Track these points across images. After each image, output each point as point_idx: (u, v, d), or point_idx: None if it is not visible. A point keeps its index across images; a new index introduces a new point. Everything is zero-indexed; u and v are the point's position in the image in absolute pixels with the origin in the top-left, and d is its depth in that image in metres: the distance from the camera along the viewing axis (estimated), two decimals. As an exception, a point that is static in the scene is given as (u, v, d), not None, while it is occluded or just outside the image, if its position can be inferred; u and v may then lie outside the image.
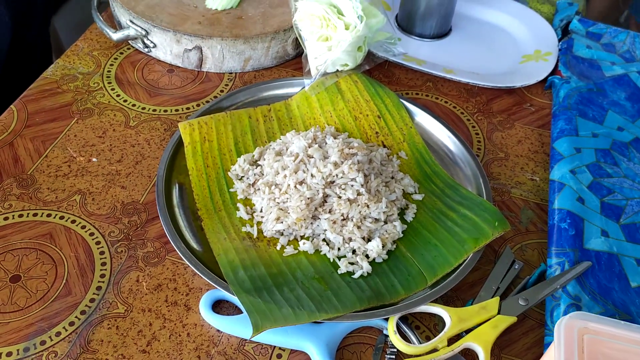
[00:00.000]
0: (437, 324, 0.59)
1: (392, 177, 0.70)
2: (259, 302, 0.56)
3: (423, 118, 0.78)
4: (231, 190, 0.68)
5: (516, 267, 0.63)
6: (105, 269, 0.60)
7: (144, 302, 0.58)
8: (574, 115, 0.77)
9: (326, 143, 0.69)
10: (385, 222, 0.65)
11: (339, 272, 0.61)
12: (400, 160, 0.73)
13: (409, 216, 0.67)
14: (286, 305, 0.56)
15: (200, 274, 0.58)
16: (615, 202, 0.68)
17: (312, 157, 0.66)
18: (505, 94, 0.86)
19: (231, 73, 0.84)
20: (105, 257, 0.61)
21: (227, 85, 0.83)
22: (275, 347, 0.57)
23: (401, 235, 0.65)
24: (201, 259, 0.60)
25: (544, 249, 0.67)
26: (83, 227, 0.64)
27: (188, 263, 0.59)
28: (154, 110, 0.78)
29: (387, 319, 0.57)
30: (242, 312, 0.57)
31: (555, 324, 0.55)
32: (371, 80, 0.80)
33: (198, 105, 0.79)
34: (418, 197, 0.69)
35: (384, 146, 0.75)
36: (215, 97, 0.80)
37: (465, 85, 0.86)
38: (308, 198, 0.63)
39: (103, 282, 0.59)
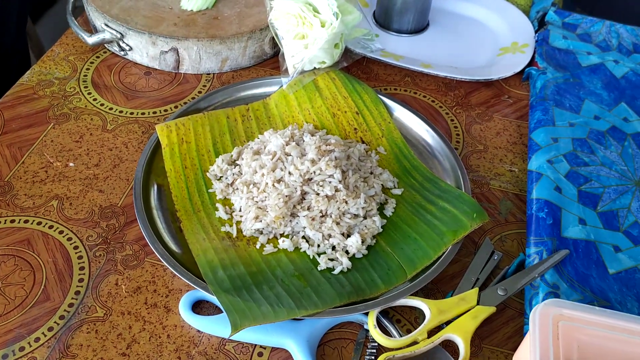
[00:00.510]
0: (417, 317, 0.60)
1: (371, 173, 0.70)
2: (238, 301, 0.56)
3: (401, 113, 0.78)
4: (210, 190, 0.68)
5: (495, 257, 0.63)
6: (84, 274, 0.60)
7: (123, 305, 0.58)
8: (550, 106, 0.78)
9: (304, 140, 0.69)
10: (365, 218, 0.65)
11: (319, 268, 0.61)
12: (379, 155, 0.73)
13: (389, 211, 0.67)
14: (265, 304, 0.56)
15: (179, 275, 0.58)
16: (592, 190, 0.69)
17: (290, 155, 0.66)
18: (483, 87, 0.86)
19: (209, 74, 0.84)
20: (84, 262, 0.61)
21: (205, 86, 0.82)
22: (256, 345, 0.56)
23: (380, 230, 0.65)
24: (180, 260, 0.60)
25: (523, 239, 0.67)
26: (61, 232, 0.64)
27: (167, 264, 0.58)
28: (132, 113, 0.77)
29: (367, 314, 0.57)
30: (222, 312, 0.57)
31: (534, 312, 0.55)
32: (349, 77, 0.80)
33: (176, 107, 0.79)
34: (397, 191, 0.69)
35: (363, 142, 0.75)
36: (193, 98, 0.80)
37: (444, 79, 0.86)
38: (286, 196, 0.63)
39: (82, 286, 0.59)
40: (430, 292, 0.61)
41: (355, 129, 0.76)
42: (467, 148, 0.77)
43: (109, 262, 0.61)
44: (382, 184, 0.69)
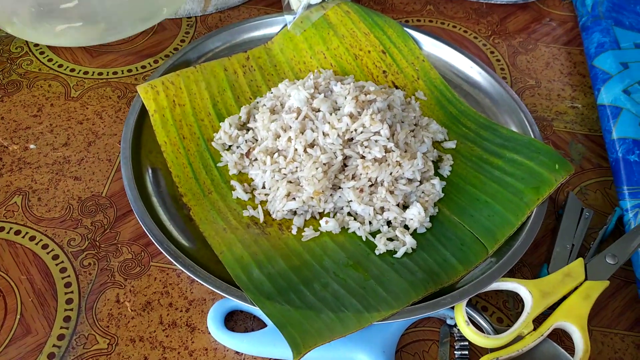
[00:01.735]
0: (506, 300, 0.48)
1: (416, 124, 0.57)
2: (289, 309, 0.42)
3: (434, 48, 0.64)
4: (219, 164, 0.53)
5: (587, 215, 0.51)
6: (72, 292, 0.45)
7: (131, 329, 0.44)
8: (610, 25, 0.65)
9: (332, 91, 0.55)
10: (421, 182, 0.52)
11: (377, 252, 0.48)
12: (419, 102, 0.59)
13: (445, 170, 0.54)
14: (324, 309, 0.43)
15: (200, 281, 0.43)
16: (681, 122, 0.57)
17: (320, 111, 0.52)
18: (518, 10, 0.72)
19: (190, 17, 0.68)
20: (69, 276, 0.46)
21: (187, 32, 0.66)
22: (314, 362, 0.43)
23: (442, 195, 0.52)
24: (197, 259, 0.46)
25: (608, 189, 0.55)
26: (32, 238, 0.48)
27: (181, 268, 0.44)
28: (100, 74, 0.61)
29: (452, 307, 0.44)
30: (265, 325, 0.44)
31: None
32: (365, 9, 0.65)
33: (156, 61, 0.63)
34: (450, 144, 0.56)
35: (396, 87, 0.61)
36: (175, 49, 0.64)
37: (472, 4, 0.72)
38: (324, 164, 0.49)
39: (71, 309, 0.44)
40: (515, 267, 0.49)
41: (384, 71, 0.61)
42: (516, 84, 0.64)
43: (103, 272, 0.47)
44: (431, 137, 0.56)
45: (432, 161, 0.55)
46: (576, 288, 0.45)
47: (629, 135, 0.55)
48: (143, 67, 0.62)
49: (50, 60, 0.61)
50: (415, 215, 0.49)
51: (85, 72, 0.61)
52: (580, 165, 0.57)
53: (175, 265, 0.45)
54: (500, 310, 0.47)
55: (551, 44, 0.69)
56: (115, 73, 0.61)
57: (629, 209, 0.51)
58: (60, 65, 0.61)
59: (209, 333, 0.44)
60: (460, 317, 0.44)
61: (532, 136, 0.55)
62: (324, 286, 0.45)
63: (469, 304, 0.45)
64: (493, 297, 0.48)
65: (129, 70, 0.61)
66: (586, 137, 0.60)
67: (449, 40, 0.67)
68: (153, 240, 0.45)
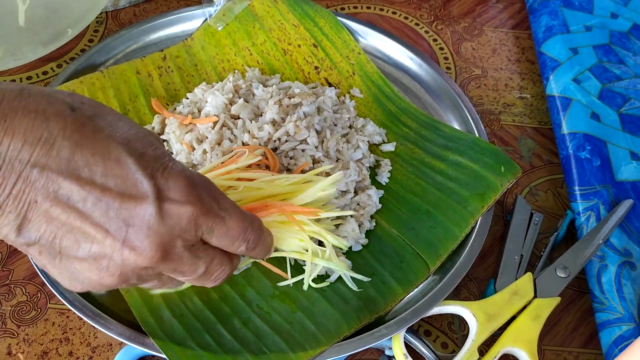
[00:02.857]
0: (451, 321, 0.43)
1: (351, 127, 0.51)
2: (202, 355, 0.37)
3: (371, 39, 0.59)
4: (129, 184, 0.47)
5: (537, 220, 0.47)
6: (-46, 346, 0.39)
7: (24, 386, 0.38)
8: (558, 7, 0.60)
9: (254, 95, 0.49)
10: (356, 193, 0.47)
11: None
12: (354, 100, 0.54)
13: (383, 177, 0.49)
14: (243, 351, 0.38)
15: (101, 329, 0.38)
16: (634, 111, 0.53)
17: (239, 118, 0.46)
18: (463, -8, 0.67)
19: (100, 14, 0.61)
20: (-49, 327, 0.40)
21: (97, 31, 0.59)
22: (237, 410, 0.38)
23: (379, 206, 0.47)
24: (101, 299, 0.40)
25: (559, 188, 0.51)
26: None
27: (77, 312, 0.38)
28: (-4, 83, 0.54)
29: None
30: (179, 371, 0.39)
31: (607, 291, 0.40)
32: (293, -3, 0.59)
33: (59, 66, 0.56)
34: (389, 147, 0.51)
35: (329, 84, 0.55)
36: (82, 51, 0.57)
37: (413, -13, 0.67)
38: (244, 180, 0.44)
39: (-47, 367, 0.38)
40: (460, 283, 0.45)
41: (316, 67, 0.56)
42: (461, 75, 0.59)
43: (-9, 319, 0.41)
44: (368, 140, 0.51)
45: (369, 167, 0.50)
46: (525, 307, 0.41)
47: (579, 130, 0.51)
48: (44, 73, 0.55)
49: None
50: (349, 233, 0.44)
51: (-22, 82, 0.53)
52: (530, 163, 0.53)
53: (72, 309, 0.40)
54: (445, 333, 0.43)
55: (498, 29, 0.64)
56: (13, 81, 0.54)
57: (580, 212, 0.47)
58: (-53, 75, 0.54)
59: (116, 385, 0.38)
60: (397, 349, 0.39)
61: (477, 134, 0.51)
62: (245, 323, 0.40)
63: (409, 330, 0.41)
64: (437, 319, 0.43)
65: (28, 78, 0.54)
66: (536, 130, 0.56)
67: (387, 29, 0.62)
68: (45, 281, 0.39)
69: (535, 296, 0.42)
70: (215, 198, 0.30)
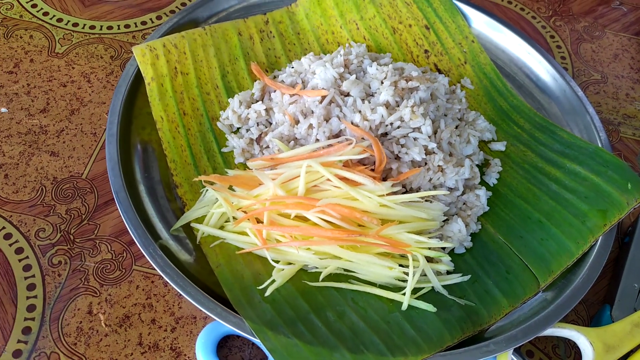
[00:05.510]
0: (556, 345, 0.40)
1: (461, 119, 0.48)
2: (296, 344, 0.34)
3: (486, 27, 0.54)
4: (224, 150, 0.44)
5: (659, 248, 0.42)
6: (35, 296, 0.37)
7: (103, 349, 0.36)
8: (695, 16, 0.55)
9: (365, 72, 0.46)
10: (464, 192, 0.43)
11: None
12: (464, 91, 0.50)
13: (492, 178, 0.45)
14: (339, 346, 0.35)
15: (191, 300, 0.35)
16: None
17: (350, 96, 0.43)
18: (585, -11, 0.62)
19: (203, -32, 0.58)
20: (34, 276, 0.38)
21: (199, -14, 0.56)
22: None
23: (487, 208, 0.44)
24: (190, 268, 0.38)
25: (681, 215, 0.47)
26: (-7, 224, 0.40)
27: (168, 280, 0.36)
28: (92, 27, 0.52)
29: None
30: (266, 357, 0.36)
31: None
32: (408, -26, 0.55)
33: (159, 17, 0.53)
34: (499, 146, 0.47)
35: (439, 71, 0.52)
36: (183, 4, 0.55)
37: (531, -23, 0.62)
38: (351, 163, 0.41)
39: (33, 318, 0.37)
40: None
41: (426, 51, 0.52)
42: (579, 78, 0.55)
43: (75, 274, 0.39)
44: (478, 136, 0.47)
45: (477, 165, 0.46)
46: (647, 342, 0.37)
47: None
48: (143, 23, 0.53)
49: (34, 6, 0.52)
50: (455, 233, 0.41)
51: (75, 24, 0.51)
52: (650, 183, 0.49)
53: (161, 275, 0.37)
54: (548, 356, 0.39)
55: (620, 33, 0.59)
56: (110, 28, 0.52)
57: None
58: (45, 13, 0.52)
59: (197, 362, 0.36)
60: (504, 368, 0.36)
61: (599, 144, 0.46)
62: (340, 316, 0.37)
63: (515, 349, 0.37)
64: (541, 340, 0.40)
65: (127, 26, 0.52)
66: (657, 148, 0.51)
67: (503, 18, 0.57)
68: (136, 241, 0.37)
69: (659, 331, 0.38)
70: None
